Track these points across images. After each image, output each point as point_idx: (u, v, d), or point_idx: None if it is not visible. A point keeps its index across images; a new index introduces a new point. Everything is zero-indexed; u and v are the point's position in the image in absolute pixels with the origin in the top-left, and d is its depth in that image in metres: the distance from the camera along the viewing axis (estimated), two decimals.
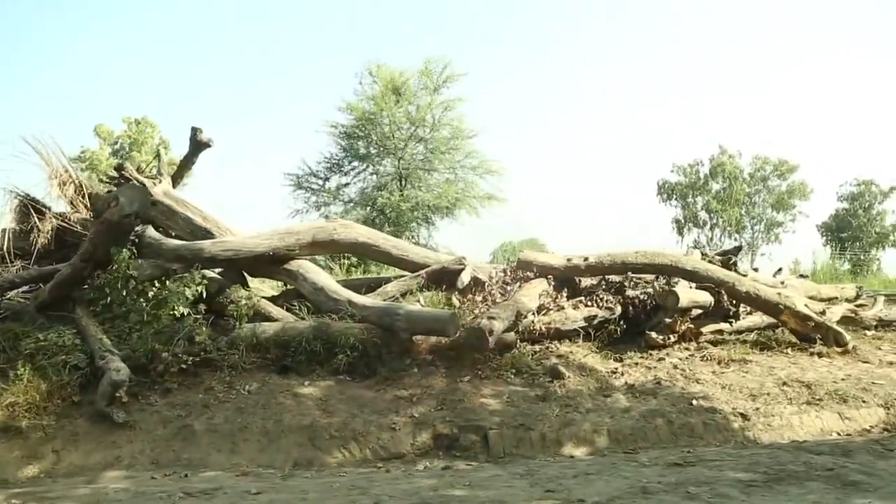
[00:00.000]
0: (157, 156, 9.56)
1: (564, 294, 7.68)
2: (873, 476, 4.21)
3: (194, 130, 8.63)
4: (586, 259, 7.80)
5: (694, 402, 6.05)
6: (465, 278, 7.16)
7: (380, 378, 6.12)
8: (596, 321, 7.47)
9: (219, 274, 7.16)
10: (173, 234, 7.52)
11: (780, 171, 35.75)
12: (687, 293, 7.46)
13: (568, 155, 61.14)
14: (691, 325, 7.55)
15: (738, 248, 11.00)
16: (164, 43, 64.18)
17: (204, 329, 6.20)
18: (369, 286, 7.48)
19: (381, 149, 11.58)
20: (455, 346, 6.26)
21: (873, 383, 6.77)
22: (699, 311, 7.94)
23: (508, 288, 7.31)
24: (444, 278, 7.40)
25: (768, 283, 9.95)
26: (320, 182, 12.13)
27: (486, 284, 7.34)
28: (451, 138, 12.16)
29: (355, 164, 12.13)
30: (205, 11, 65.85)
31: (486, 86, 54.50)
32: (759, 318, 8.22)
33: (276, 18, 63.13)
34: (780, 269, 11.02)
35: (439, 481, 4.39)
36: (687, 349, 7.40)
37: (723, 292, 7.69)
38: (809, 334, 7.72)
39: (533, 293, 7.23)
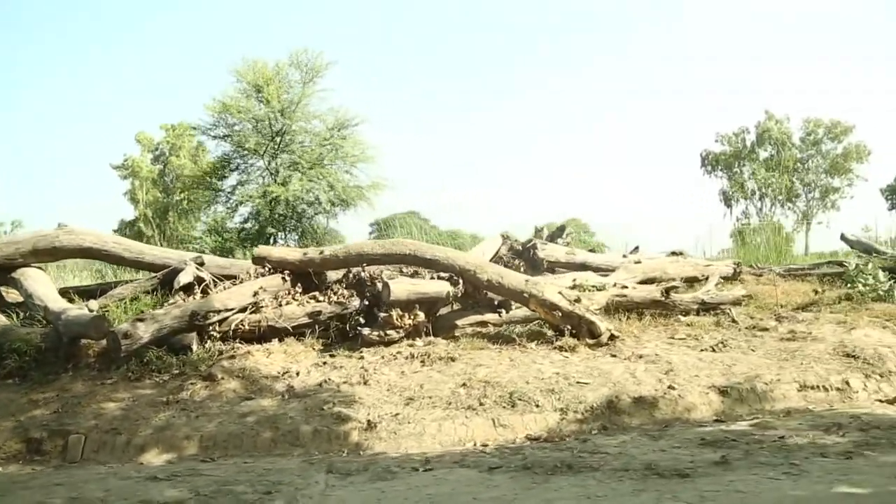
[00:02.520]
0: None
1: (299, 289, 7.20)
2: None
3: None
4: (321, 252, 7.26)
5: (326, 407, 5.46)
6: (182, 279, 6.86)
7: (34, 382, 6.00)
8: (323, 317, 6.96)
9: None
10: None
11: (833, 134, 31.96)
12: (406, 285, 6.76)
13: (609, 133, 57.99)
14: (422, 319, 6.83)
15: (562, 229, 9.83)
16: None
17: None
18: (103, 290, 7.36)
19: (267, 145, 11.28)
20: (103, 350, 6.03)
21: (578, 382, 5.86)
22: (465, 302, 7.24)
23: (217, 287, 6.94)
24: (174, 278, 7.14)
25: (605, 263, 8.94)
26: (216, 182, 11.95)
27: (206, 284, 6.99)
28: (333, 128, 11.71)
29: (251, 161, 11.88)
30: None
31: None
32: None
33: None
34: (636, 248, 9.79)
35: None
36: (412, 345, 6.70)
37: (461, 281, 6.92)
38: (560, 325, 6.78)
39: (244, 291, 6.82)
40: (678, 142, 55.74)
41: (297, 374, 6.13)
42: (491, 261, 8.20)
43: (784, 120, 32.79)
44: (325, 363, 6.35)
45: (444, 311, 7.37)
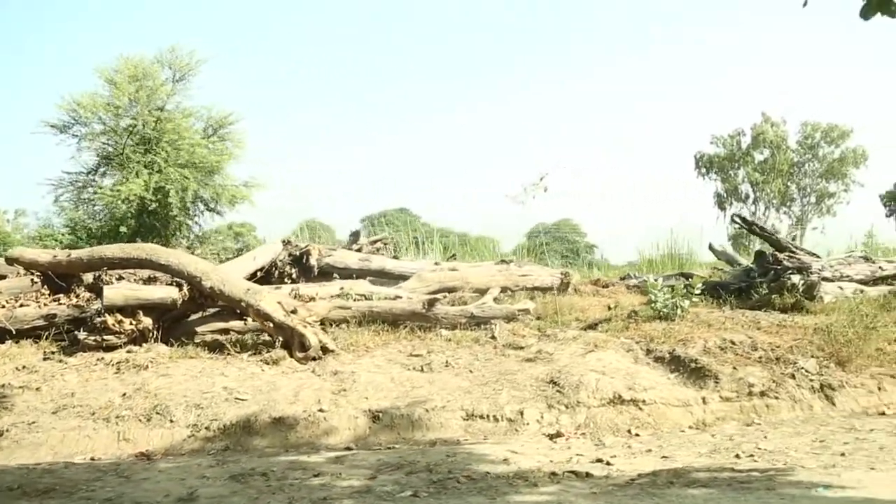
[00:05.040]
0: None
1: (46, 291, 7.03)
2: None
3: None
4: (69, 255, 7.06)
5: None
6: None
7: None
8: (59, 319, 6.76)
9: None
10: None
11: (830, 138, 29.90)
12: (125, 290, 6.48)
13: (604, 135, 55.63)
14: (148, 324, 6.54)
15: (357, 234, 9.28)
16: None
17: None
18: None
19: (124, 144, 10.97)
20: None
21: (237, 398, 5.48)
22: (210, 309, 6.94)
23: None
24: None
25: (405, 271, 8.46)
26: (92, 180, 11.60)
27: None
28: (208, 127, 11.43)
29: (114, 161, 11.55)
30: None
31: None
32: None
33: None
34: (437, 263, 9.16)
35: None
36: (130, 352, 6.39)
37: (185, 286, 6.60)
38: (275, 336, 6.39)
39: None
40: (674, 142, 53.13)
41: None
42: (267, 267, 7.86)
43: (780, 123, 30.90)
44: (24, 367, 6.15)
45: (194, 316, 7.10)
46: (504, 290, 8.59)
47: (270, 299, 6.40)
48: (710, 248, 10.53)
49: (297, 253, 7.84)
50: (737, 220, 8.65)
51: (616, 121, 56.95)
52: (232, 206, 11.62)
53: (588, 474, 3.86)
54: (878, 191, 29.34)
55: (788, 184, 30.98)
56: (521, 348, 6.75)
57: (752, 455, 4.22)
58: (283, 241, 8.16)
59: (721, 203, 32.78)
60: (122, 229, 10.59)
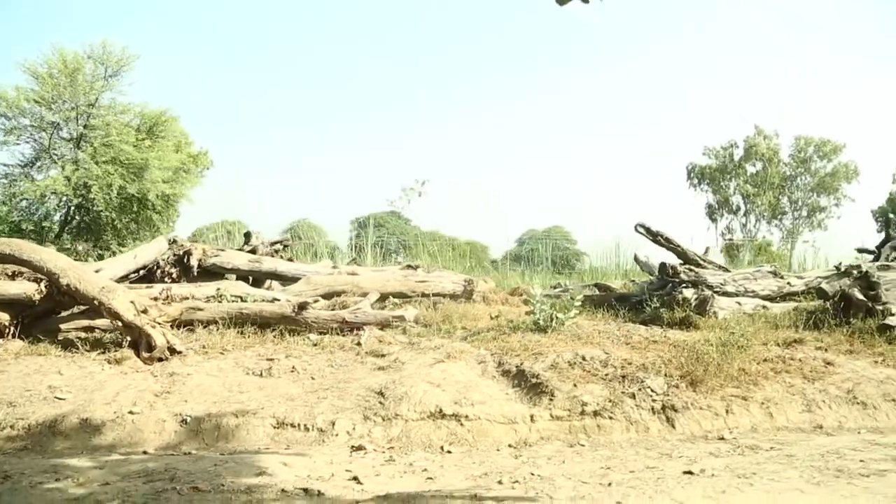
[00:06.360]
0: None
1: None
2: None
3: None
4: None
5: None
6: None
7: None
8: None
9: None
10: None
11: (822, 152, 29.10)
12: None
13: (594, 143, 54.54)
14: (2, 320, 6.46)
15: (249, 235, 9.08)
16: None
17: None
18: None
19: (49, 140, 10.84)
20: None
21: (56, 397, 5.36)
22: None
23: None
24: None
25: (297, 273, 8.28)
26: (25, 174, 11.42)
27: None
28: (142, 125, 11.26)
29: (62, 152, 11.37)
30: None
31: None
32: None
33: None
34: (336, 267, 8.94)
35: None
36: None
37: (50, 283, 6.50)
38: (126, 335, 6.26)
39: None
40: (667, 153, 51.96)
41: None
42: (150, 266, 7.74)
43: (773, 136, 30.14)
44: None
45: (65, 313, 7.00)
46: (401, 295, 8.38)
47: (123, 298, 6.26)
48: (636, 258, 10.19)
49: (181, 252, 7.70)
50: (640, 229, 8.31)
51: (610, 129, 56.03)
52: (167, 205, 11.51)
53: (320, 493, 3.64)
54: (871, 206, 28.58)
55: (780, 197, 30.22)
56: (382, 356, 6.53)
57: (517, 481, 3.95)
58: (169, 241, 8.03)
59: (712, 214, 32.12)
60: (46, 224, 10.57)
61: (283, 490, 3.69)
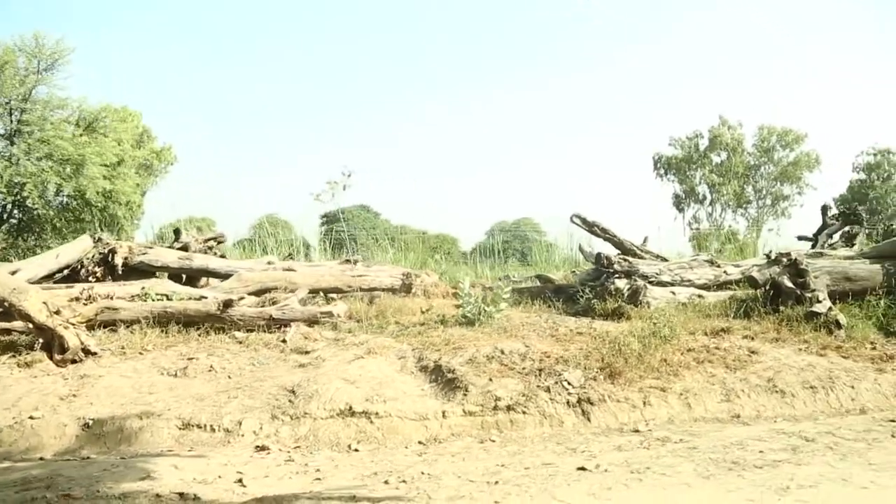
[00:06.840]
0: None
1: None
2: None
3: None
4: None
5: None
6: None
7: None
8: None
9: None
10: None
11: (785, 142, 29.43)
12: None
13: (568, 134, 55.04)
14: None
15: (178, 232, 8.92)
16: None
17: None
18: None
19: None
20: None
21: None
22: None
23: None
24: None
25: (229, 269, 8.12)
26: None
27: None
28: (80, 121, 10.96)
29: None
30: None
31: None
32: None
33: None
34: (271, 262, 8.73)
35: None
36: None
37: None
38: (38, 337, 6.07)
39: None
40: (634, 144, 52.51)
41: None
42: (74, 265, 7.53)
43: (737, 126, 30.40)
44: None
45: None
46: (337, 290, 8.26)
47: (36, 299, 6.06)
48: (580, 249, 10.18)
49: (106, 251, 7.50)
50: (576, 220, 8.27)
51: (576, 120, 56.28)
52: (109, 200, 11.24)
53: (196, 497, 3.54)
54: (833, 195, 29.00)
55: (745, 186, 30.51)
56: (306, 353, 6.42)
57: (404, 481, 3.88)
58: (95, 239, 7.82)
59: (679, 204, 32.36)
60: None
61: (157, 495, 3.58)
